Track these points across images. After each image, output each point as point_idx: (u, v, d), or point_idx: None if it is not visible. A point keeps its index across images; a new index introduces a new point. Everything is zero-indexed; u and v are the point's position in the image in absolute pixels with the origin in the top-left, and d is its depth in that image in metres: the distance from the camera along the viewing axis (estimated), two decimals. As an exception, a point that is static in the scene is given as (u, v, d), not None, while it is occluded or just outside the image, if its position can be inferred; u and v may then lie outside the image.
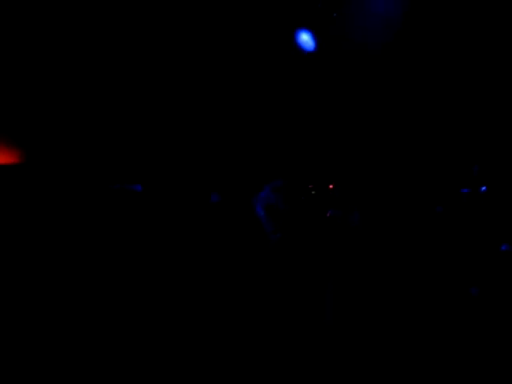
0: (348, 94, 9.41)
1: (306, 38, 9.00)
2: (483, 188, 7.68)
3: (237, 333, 6.25)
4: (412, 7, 8.60)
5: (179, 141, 9.09)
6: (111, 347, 6.00)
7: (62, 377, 5.51)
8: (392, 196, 8.50)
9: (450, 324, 6.84)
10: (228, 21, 9.06)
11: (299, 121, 9.62)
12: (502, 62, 8.45)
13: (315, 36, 8.98)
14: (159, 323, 6.29)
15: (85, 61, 8.76)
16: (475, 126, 8.21)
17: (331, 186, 8.59)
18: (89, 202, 8.03)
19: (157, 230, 7.62)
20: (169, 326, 6.12)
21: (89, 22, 8.52)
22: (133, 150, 8.82)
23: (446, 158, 8.80)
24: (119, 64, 8.96)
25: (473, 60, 8.67)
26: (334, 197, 8.56)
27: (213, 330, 5.72)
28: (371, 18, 8.77)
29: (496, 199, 7.66)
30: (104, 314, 6.65)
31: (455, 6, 8.43)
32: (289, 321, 6.52)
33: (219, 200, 6.52)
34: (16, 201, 7.86)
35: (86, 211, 7.96)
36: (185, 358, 5.49)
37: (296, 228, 8.50)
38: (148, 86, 9.14)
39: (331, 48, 9.14)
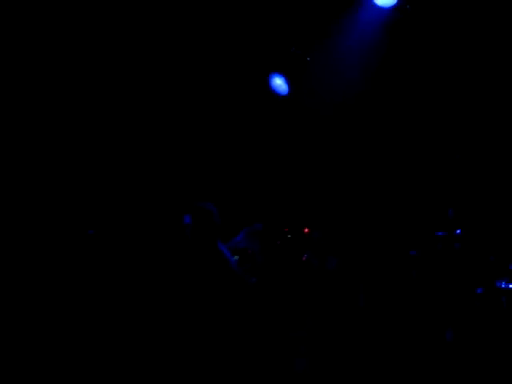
0: (322, 137, 9.44)
1: (279, 82, 9.03)
2: (458, 231, 7.67)
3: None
4: (387, 50, 8.67)
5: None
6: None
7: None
8: (367, 239, 8.49)
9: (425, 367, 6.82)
10: (201, 61, 9.10)
11: (274, 164, 9.63)
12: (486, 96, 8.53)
13: (288, 80, 9.01)
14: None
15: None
16: (451, 167, 8.24)
17: (306, 230, 8.57)
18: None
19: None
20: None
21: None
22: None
23: (421, 200, 8.81)
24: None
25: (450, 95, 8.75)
26: (310, 240, 8.55)
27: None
28: (345, 61, 8.82)
29: (471, 242, 7.66)
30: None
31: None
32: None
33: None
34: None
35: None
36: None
37: (271, 272, 8.46)
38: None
39: (305, 92, 9.19)
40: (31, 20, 8.12)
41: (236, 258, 8.33)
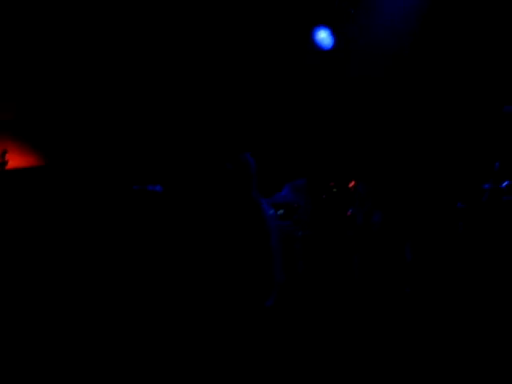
0: (367, 91, 9.35)
1: (323, 36, 8.96)
2: (505, 183, 7.60)
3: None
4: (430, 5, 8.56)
5: (198, 139, 9.11)
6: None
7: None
8: (413, 193, 8.44)
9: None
10: (242, 16, 9.07)
11: (318, 119, 9.59)
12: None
13: (333, 33, 8.94)
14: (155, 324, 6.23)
15: (100, 67, 8.80)
16: (494, 122, 8.15)
17: (352, 184, 8.54)
18: (110, 203, 8.04)
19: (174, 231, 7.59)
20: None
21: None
22: (153, 151, 8.85)
23: (468, 153, 8.73)
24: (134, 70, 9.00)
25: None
26: (355, 194, 8.53)
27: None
28: (389, 15, 8.73)
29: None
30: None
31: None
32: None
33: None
34: (37, 203, 7.91)
35: (107, 212, 7.97)
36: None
37: (317, 226, 8.48)
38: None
39: (349, 45, 9.10)
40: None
41: (281, 211, 8.37)
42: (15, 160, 8.21)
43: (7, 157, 8.17)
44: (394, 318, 7.07)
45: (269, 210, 5.55)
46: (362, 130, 9.43)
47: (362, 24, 8.91)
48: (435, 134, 9.04)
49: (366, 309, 7.37)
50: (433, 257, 8.13)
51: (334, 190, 8.56)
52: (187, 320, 5.99)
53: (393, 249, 8.15)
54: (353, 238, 8.27)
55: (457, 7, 8.53)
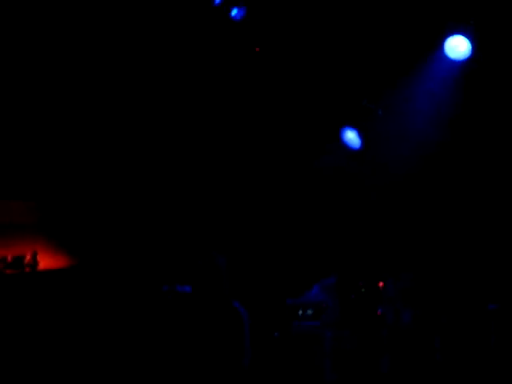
0: (394, 190, 9.38)
1: (351, 136, 9.05)
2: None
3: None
4: (459, 103, 8.61)
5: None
6: None
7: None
8: (444, 292, 8.36)
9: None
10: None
11: (348, 218, 9.62)
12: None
13: (361, 133, 9.02)
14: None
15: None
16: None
17: (381, 284, 8.50)
18: (140, 304, 8.10)
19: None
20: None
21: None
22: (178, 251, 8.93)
23: (501, 252, 8.64)
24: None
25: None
26: (384, 294, 8.47)
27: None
28: (417, 116, 8.79)
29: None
30: None
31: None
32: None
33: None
34: (68, 304, 7.98)
35: (138, 313, 8.03)
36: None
37: (346, 326, 8.41)
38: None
39: (377, 146, 9.17)
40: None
41: (310, 311, 8.34)
42: (46, 261, 8.32)
43: (38, 258, 8.28)
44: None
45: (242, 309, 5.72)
46: (389, 229, 9.43)
47: (389, 126, 9.00)
48: (465, 233, 8.99)
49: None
50: (463, 358, 8.00)
51: (363, 289, 8.51)
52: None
53: (423, 348, 8.05)
54: (383, 337, 8.18)
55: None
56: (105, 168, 8.90)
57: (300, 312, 8.38)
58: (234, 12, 8.09)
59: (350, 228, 9.61)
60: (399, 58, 8.50)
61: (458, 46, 7.86)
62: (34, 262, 8.21)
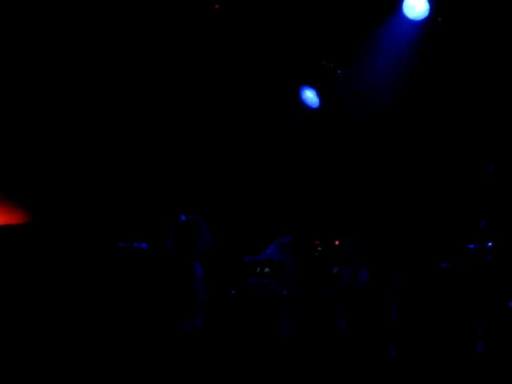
0: (352, 149, 9.44)
1: (310, 95, 9.06)
2: (489, 244, 7.60)
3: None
4: (418, 65, 8.67)
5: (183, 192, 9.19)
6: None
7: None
8: (399, 251, 8.44)
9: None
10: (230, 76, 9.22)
11: (303, 176, 9.66)
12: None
13: (319, 92, 9.03)
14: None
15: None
16: (483, 179, 8.20)
17: (338, 243, 8.56)
18: (95, 261, 8.07)
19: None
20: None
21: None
22: (138, 208, 8.90)
23: (453, 212, 8.76)
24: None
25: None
26: (341, 253, 8.53)
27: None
28: (376, 74, 8.83)
29: (503, 255, 7.59)
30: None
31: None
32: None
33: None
34: (22, 261, 7.92)
35: (92, 269, 8.00)
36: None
37: (303, 284, 8.47)
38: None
39: (336, 104, 9.20)
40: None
41: (267, 269, 8.38)
42: (1, 217, 8.24)
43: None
44: (378, 378, 7.07)
45: (200, 270, 5.82)
46: (346, 187, 9.51)
47: (348, 83, 9.03)
48: (421, 192, 9.09)
49: (350, 369, 7.35)
50: (418, 316, 8.11)
51: (320, 248, 8.56)
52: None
53: (379, 307, 8.13)
54: (339, 296, 8.25)
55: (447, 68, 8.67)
56: (64, 121, 8.82)
57: (257, 270, 8.42)
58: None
59: (306, 187, 9.66)
60: (358, 18, 8.51)
61: (415, 6, 7.91)
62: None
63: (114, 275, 7.55)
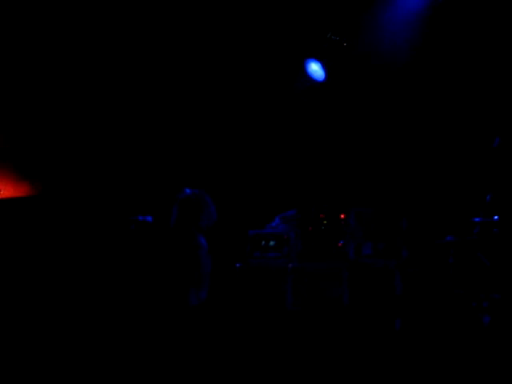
0: (359, 124, 9.40)
1: (315, 68, 9.00)
2: (495, 217, 7.58)
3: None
4: (422, 43, 8.64)
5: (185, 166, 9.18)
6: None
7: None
8: (404, 225, 8.43)
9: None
10: (235, 52, 9.17)
11: (310, 151, 9.63)
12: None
13: (325, 65, 8.98)
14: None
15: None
16: (487, 154, 8.17)
17: (343, 216, 8.54)
18: (101, 233, 8.10)
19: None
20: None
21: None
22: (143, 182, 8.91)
23: (458, 186, 8.74)
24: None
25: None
26: (346, 227, 8.52)
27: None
28: (383, 47, 8.78)
29: (509, 228, 7.57)
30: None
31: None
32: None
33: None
34: (30, 233, 7.95)
35: (99, 242, 8.03)
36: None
37: (308, 257, 8.47)
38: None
39: (341, 77, 9.16)
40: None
41: (272, 243, 8.37)
42: (8, 190, 8.24)
43: (0, 186, 8.21)
44: (382, 351, 7.08)
45: (205, 243, 5.84)
46: (352, 161, 9.49)
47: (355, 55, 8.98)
48: (425, 166, 9.07)
49: (355, 341, 7.36)
50: (422, 290, 8.12)
51: (325, 221, 8.55)
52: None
53: (383, 281, 8.14)
54: (345, 269, 8.25)
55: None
56: (70, 99, 8.83)
57: (262, 243, 8.41)
58: None
59: (312, 160, 9.64)
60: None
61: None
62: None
63: (119, 248, 7.57)
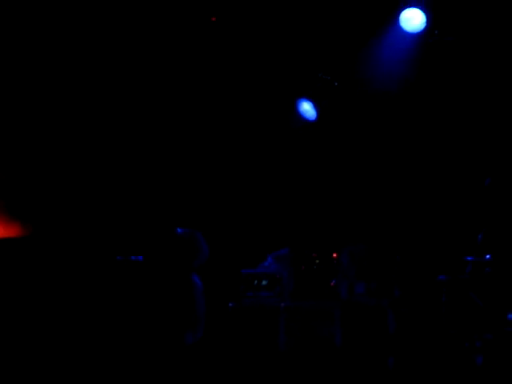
0: (352, 160, 9.46)
1: (307, 107, 9.06)
2: (487, 256, 7.60)
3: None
4: (415, 77, 8.71)
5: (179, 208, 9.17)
6: None
7: None
8: (396, 264, 8.45)
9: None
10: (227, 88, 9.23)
11: (303, 189, 9.66)
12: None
13: (316, 105, 9.04)
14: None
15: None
16: (480, 192, 8.21)
17: (335, 255, 8.54)
18: (93, 273, 8.06)
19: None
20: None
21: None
22: (135, 222, 8.89)
23: (450, 225, 8.77)
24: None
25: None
26: (338, 266, 8.52)
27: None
28: (373, 86, 8.86)
29: (500, 267, 7.59)
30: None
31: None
32: None
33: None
34: (20, 274, 7.90)
35: (91, 281, 8.00)
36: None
37: (300, 296, 8.46)
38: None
39: (333, 116, 9.22)
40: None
41: (264, 282, 8.36)
42: (-2, 230, 8.23)
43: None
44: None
45: (199, 282, 5.86)
46: (344, 199, 9.52)
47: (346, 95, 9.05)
48: (418, 204, 9.11)
49: (347, 382, 7.34)
50: (415, 329, 8.11)
51: (317, 260, 8.55)
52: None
53: (376, 320, 8.13)
54: (337, 309, 8.24)
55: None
56: (60, 137, 8.82)
57: (255, 282, 8.40)
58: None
59: (303, 199, 9.66)
60: (355, 30, 8.53)
61: (412, 18, 7.94)
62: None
63: (112, 288, 7.54)
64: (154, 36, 8.78)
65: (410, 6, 7.86)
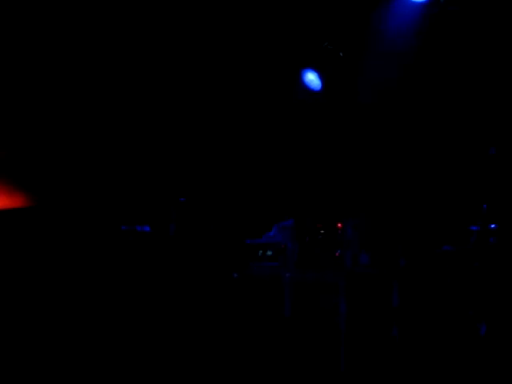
0: (355, 133, 9.44)
1: (312, 77, 9.04)
2: (492, 225, 7.60)
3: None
4: (422, 47, 8.66)
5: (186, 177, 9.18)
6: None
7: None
8: (401, 234, 8.45)
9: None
10: (232, 60, 9.20)
11: (307, 160, 9.66)
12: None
13: (321, 75, 9.02)
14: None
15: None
16: (485, 161, 8.19)
17: (340, 225, 8.55)
18: (99, 243, 8.08)
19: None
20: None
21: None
22: (139, 193, 8.91)
23: (456, 195, 8.76)
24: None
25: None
26: (343, 236, 8.53)
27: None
28: (379, 57, 8.81)
29: (505, 237, 7.59)
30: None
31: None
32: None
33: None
34: (25, 245, 7.92)
35: (97, 252, 8.01)
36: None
37: (305, 267, 8.48)
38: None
39: (337, 87, 9.19)
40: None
41: (269, 252, 8.38)
42: (2, 201, 8.21)
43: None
44: (379, 361, 7.09)
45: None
46: (349, 170, 9.51)
47: (351, 66, 9.02)
48: (422, 175, 9.09)
49: (352, 353, 7.37)
50: (419, 299, 8.12)
51: (322, 231, 8.56)
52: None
53: (380, 291, 8.14)
54: (341, 279, 8.25)
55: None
56: (65, 105, 8.83)
57: (259, 252, 8.42)
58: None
59: (309, 170, 9.66)
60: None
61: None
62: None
63: (117, 258, 7.58)
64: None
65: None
